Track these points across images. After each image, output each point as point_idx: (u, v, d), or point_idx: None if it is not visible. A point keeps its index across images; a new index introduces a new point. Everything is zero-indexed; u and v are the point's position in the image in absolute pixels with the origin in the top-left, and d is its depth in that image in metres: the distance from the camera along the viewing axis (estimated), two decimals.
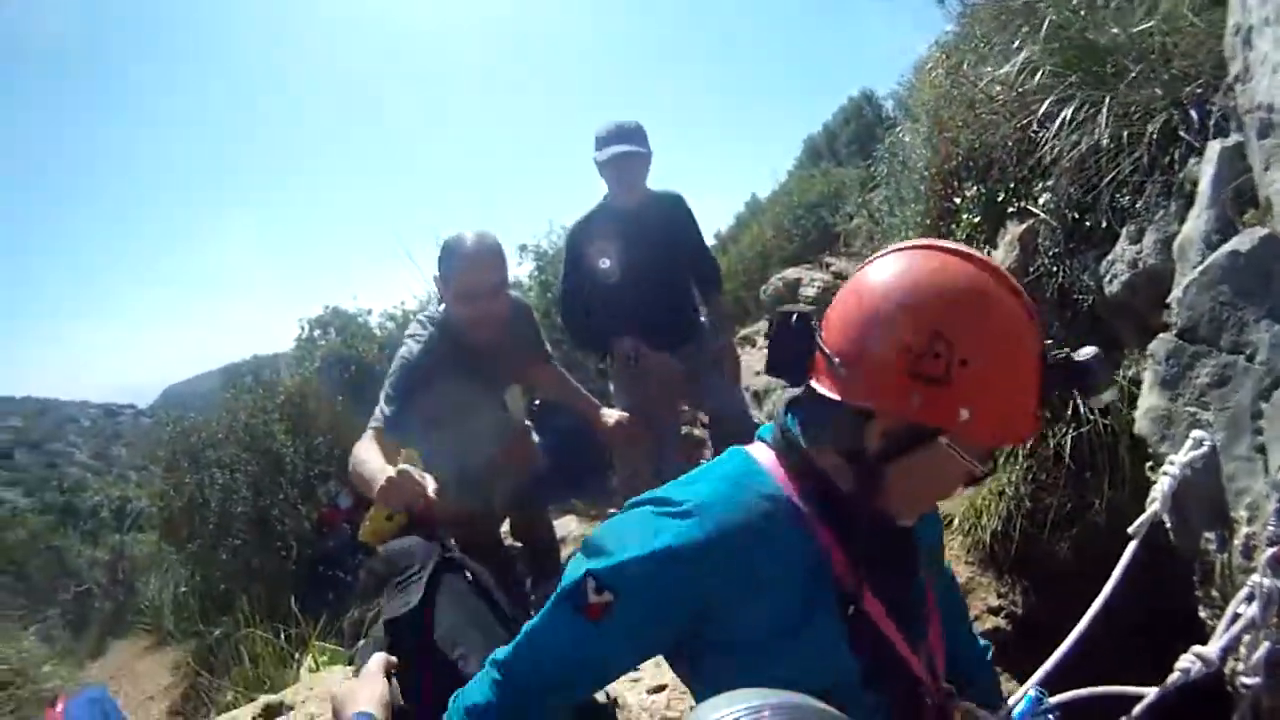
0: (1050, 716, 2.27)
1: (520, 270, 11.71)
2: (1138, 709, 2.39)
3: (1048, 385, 1.64)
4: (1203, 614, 2.88)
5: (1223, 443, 2.65)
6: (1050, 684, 2.36)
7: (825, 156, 13.56)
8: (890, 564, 1.82)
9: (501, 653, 1.84)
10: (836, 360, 1.60)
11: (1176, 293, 2.89)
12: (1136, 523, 2.61)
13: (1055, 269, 4.18)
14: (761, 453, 1.81)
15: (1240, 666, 2.39)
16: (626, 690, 4.11)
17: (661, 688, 4.10)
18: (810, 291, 7.75)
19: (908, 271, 1.57)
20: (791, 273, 8.36)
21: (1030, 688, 2.30)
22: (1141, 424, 2.97)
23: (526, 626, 1.83)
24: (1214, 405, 2.70)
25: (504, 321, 4.02)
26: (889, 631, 1.79)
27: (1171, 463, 2.64)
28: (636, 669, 4.13)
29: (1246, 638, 2.38)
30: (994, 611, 4.36)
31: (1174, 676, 2.32)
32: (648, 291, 5.12)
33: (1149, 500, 2.64)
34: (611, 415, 4.56)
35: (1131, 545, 2.55)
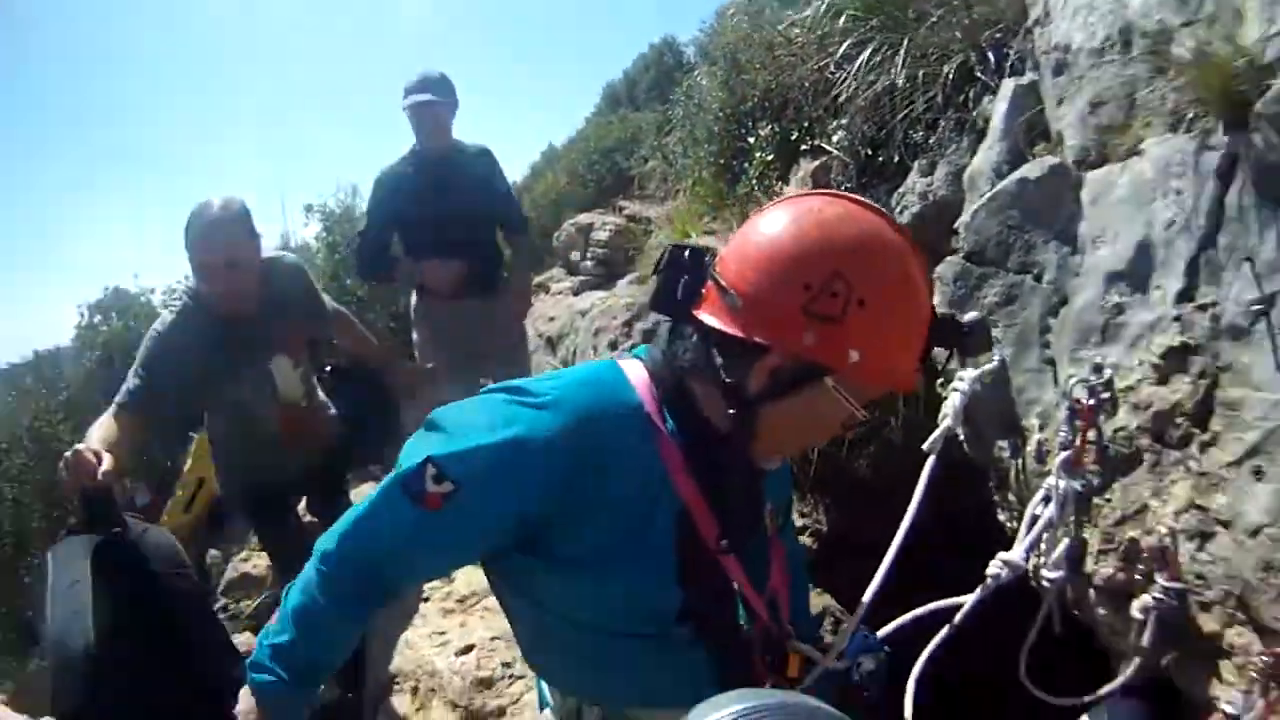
0: (880, 652, 2.31)
1: (307, 232, 11.27)
2: (958, 617, 2.59)
3: (931, 341, 1.70)
4: (1001, 518, 3.11)
5: (1012, 357, 2.86)
6: (871, 607, 2.45)
7: (624, 103, 13.50)
8: (738, 502, 1.83)
9: (324, 542, 1.76)
10: (734, 295, 1.57)
11: (964, 218, 3.08)
12: (931, 438, 2.75)
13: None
14: (632, 368, 1.78)
15: (1043, 563, 2.60)
16: (434, 654, 4.09)
17: (469, 648, 4.07)
18: (602, 235, 7.72)
19: (811, 214, 1.58)
20: (584, 218, 8.32)
21: (856, 626, 2.32)
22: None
23: (353, 513, 1.74)
24: (1002, 322, 2.90)
25: (252, 293, 3.76)
26: (727, 564, 1.79)
27: (961, 379, 2.82)
28: (443, 633, 4.15)
29: (1046, 536, 2.59)
30: (799, 531, 4.44)
31: (986, 583, 2.50)
32: (452, 239, 5.18)
33: (941, 416, 2.79)
34: (407, 365, 4.48)
35: (930, 461, 2.67)
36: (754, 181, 5.29)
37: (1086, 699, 2.70)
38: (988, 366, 2.82)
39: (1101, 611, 2.73)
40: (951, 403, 2.76)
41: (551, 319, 7.35)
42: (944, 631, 2.58)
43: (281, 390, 4.08)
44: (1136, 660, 2.55)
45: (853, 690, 2.24)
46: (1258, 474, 2.24)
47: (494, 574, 1.89)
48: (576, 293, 7.56)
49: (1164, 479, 2.48)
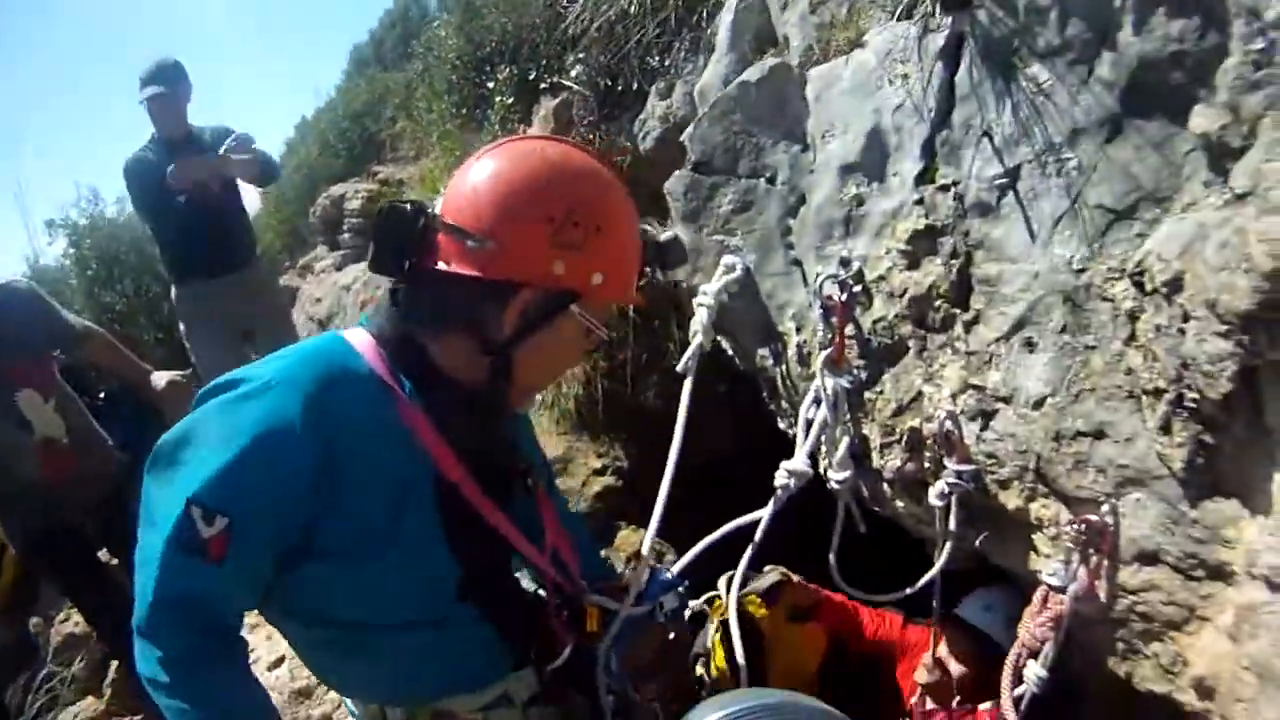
0: (679, 588, 2.25)
1: (53, 250, 10.51)
2: (758, 534, 2.53)
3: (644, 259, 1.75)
4: (782, 425, 3.05)
5: (756, 263, 2.79)
6: (670, 537, 2.39)
7: (372, 64, 12.90)
8: (493, 458, 1.83)
9: (139, 620, 1.60)
10: (477, 239, 1.58)
11: (689, 130, 2.98)
12: (684, 359, 2.68)
13: (591, 136, 4.25)
14: (356, 336, 1.72)
15: (828, 465, 2.56)
16: None
17: (280, 660, 3.96)
18: (355, 204, 7.43)
19: (536, 154, 1.66)
20: (337, 189, 7.95)
21: (648, 563, 2.30)
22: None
23: (144, 584, 1.57)
24: (740, 230, 2.83)
25: None
26: (498, 523, 1.78)
27: (705, 293, 2.74)
28: (251, 649, 3.90)
29: (825, 438, 2.55)
30: (600, 472, 4.43)
31: (777, 494, 2.45)
32: (201, 217, 5.20)
33: (691, 334, 2.71)
34: (162, 377, 4.15)
35: (687, 383, 2.61)
36: (497, 127, 5.17)
37: (909, 591, 2.72)
38: (730, 276, 2.74)
39: (900, 504, 2.72)
40: (699, 319, 2.67)
41: (319, 300, 7.04)
42: (748, 552, 2.52)
43: (37, 428, 3.72)
44: (948, 546, 2.55)
45: (658, 629, 2.19)
46: (1029, 346, 2.24)
47: (262, 603, 1.77)
48: (339, 268, 7.24)
49: (933, 364, 2.46)
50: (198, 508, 1.50)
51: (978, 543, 2.60)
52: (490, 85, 5.35)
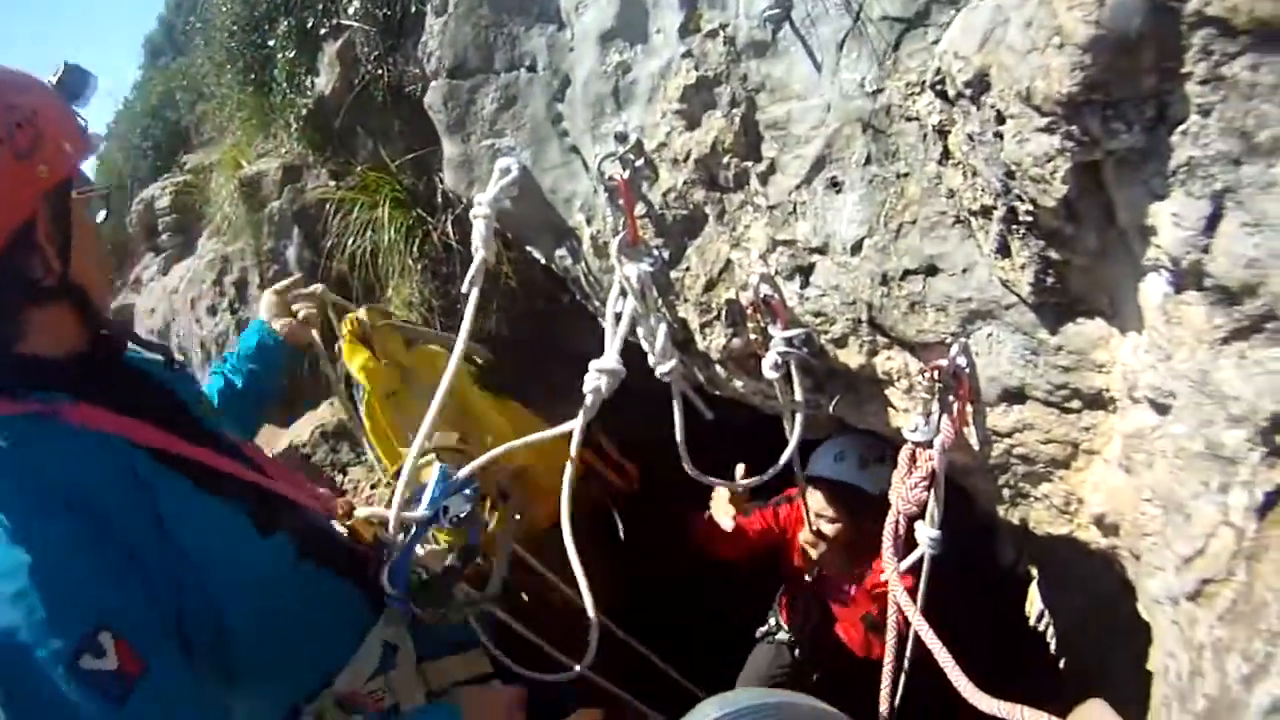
0: (467, 490, 2.15)
1: None
2: (573, 449, 2.30)
3: None
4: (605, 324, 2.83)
5: (532, 160, 2.54)
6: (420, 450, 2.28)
7: (167, 51, 12.11)
8: (163, 407, 1.76)
9: None
10: None
11: (426, 38, 2.72)
12: (469, 273, 2.44)
13: (380, 71, 4.01)
14: None
15: (653, 360, 2.34)
16: None
17: None
18: (165, 201, 7.03)
19: None
20: (147, 192, 7.48)
21: (410, 469, 2.21)
22: (450, 179, 2.81)
23: None
24: (509, 129, 2.57)
25: None
26: (234, 470, 1.74)
27: (480, 203, 2.48)
28: None
29: (642, 331, 2.34)
30: None
31: (589, 399, 2.23)
32: None
33: (474, 249, 2.47)
34: None
35: (472, 295, 2.40)
36: (285, 85, 4.82)
37: (770, 473, 2.56)
38: (505, 180, 2.48)
39: (739, 383, 2.53)
40: (477, 231, 2.42)
41: (152, 310, 6.62)
42: (568, 467, 2.31)
43: None
44: (798, 418, 2.38)
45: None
46: (835, 186, 2.05)
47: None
48: (164, 273, 6.82)
49: (736, 226, 2.26)
50: (107, 634, 1.38)
51: (831, 409, 2.43)
52: (271, 43, 5.00)
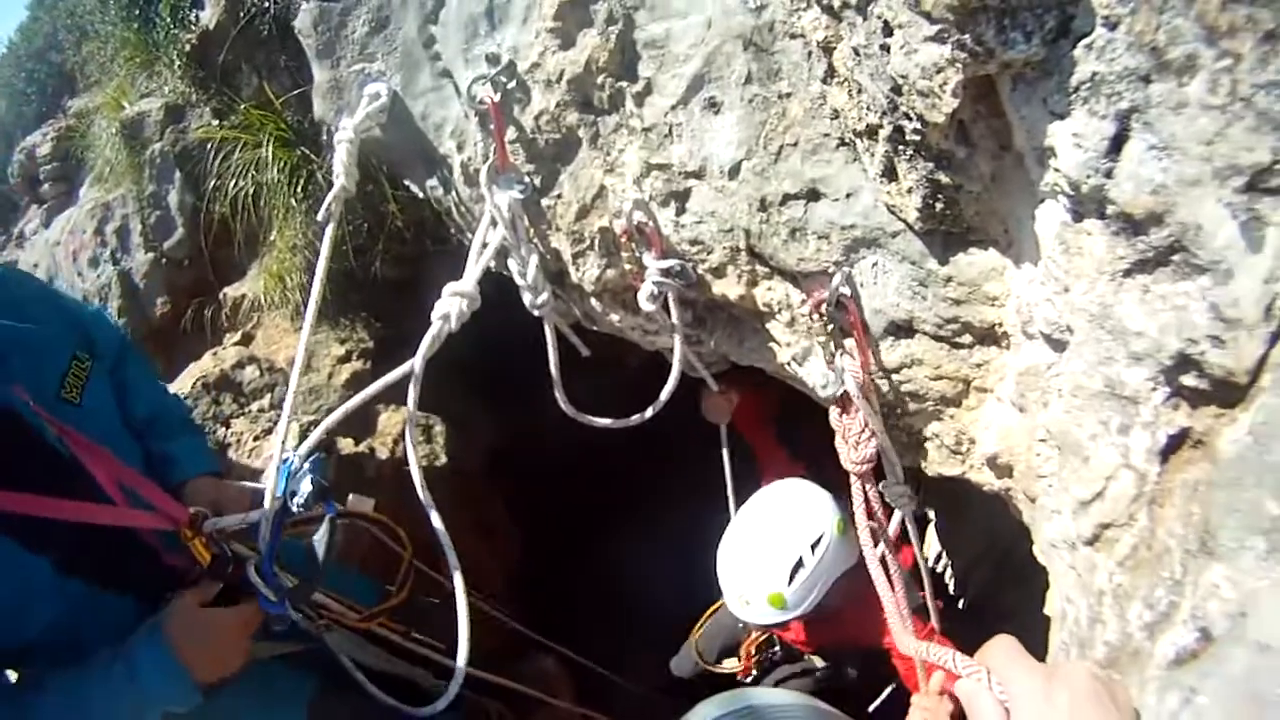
0: (312, 466, 2.11)
1: None
2: (416, 371, 2.14)
3: None
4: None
5: (403, 85, 2.43)
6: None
7: None
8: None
9: None
10: None
11: None
12: (325, 202, 2.34)
13: (266, 3, 3.84)
14: None
15: (525, 293, 2.26)
16: None
17: None
18: (47, 149, 6.72)
19: None
20: (28, 140, 7.12)
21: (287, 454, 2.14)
22: (319, 108, 2.68)
23: None
24: (380, 52, 2.45)
25: None
26: (18, 503, 1.81)
27: (344, 129, 2.36)
28: None
29: (515, 265, 2.24)
30: (344, 359, 4.17)
31: (435, 326, 2.10)
32: None
33: (334, 176, 2.35)
34: None
35: (328, 230, 2.30)
36: (168, 20, 4.58)
37: (648, 413, 2.49)
38: (374, 105, 2.36)
39: (615, 317, 2.46)
40: (338, 158, 2.30)
41: (35, 266, 6.33)
42: (406, 414, 2.20)
43: None
44: (679, 350, 2.31)
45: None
46: (713, 106, 1.97)
47: None
48: (46, 225, 6.51)
49: (610, 150, 2.17)
50: None
51: (712, 344, 2.36)
52: None
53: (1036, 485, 1.71)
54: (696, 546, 3.14)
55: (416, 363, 2.07)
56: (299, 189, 3.78)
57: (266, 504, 2.12)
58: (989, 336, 1.78)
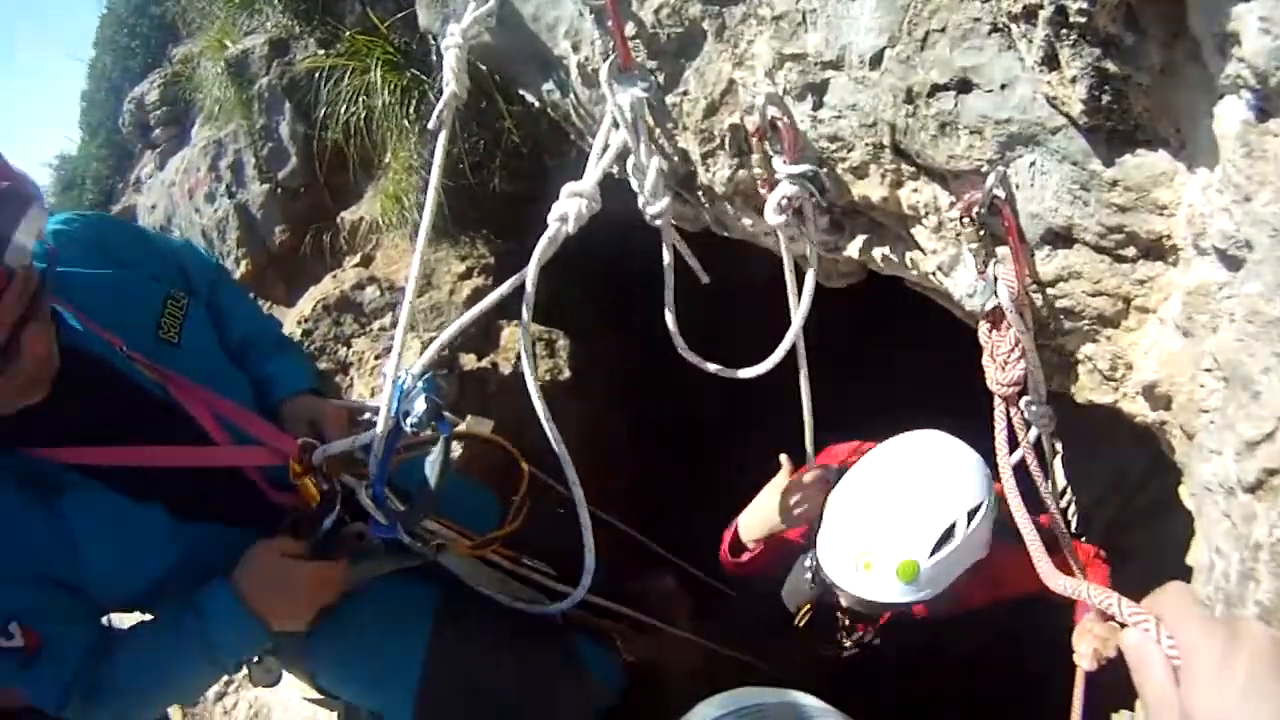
0: (424, 385, 2.05)
1: None
2: (530, 274, 1.98)
3: None
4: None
5: None
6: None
7: None
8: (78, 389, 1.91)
9: None
10: None
11: None
12: (436, 110, 2.22)
13: None
14: None
15: (642, 199, 2.10)
16: None
17: None
18: (154, 95, 6.87)
19: None
20: (136, 91, 7.16)
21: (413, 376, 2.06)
22: (423, 18, 2.58)
23: None
24: None
25: None
26: (138, 455, 1.96)
27: (452, 34, 2.22)
28: None
29: (634, 167, 2.09)
30: (465, 275, 4.18)
31: (552, 228, 1.94)
32: None
33: (444, 84, 2.23)
34: None
35: (440, 138, 2.19)
36: None
37: (771, 360, 2.29)
38: (482, 8, 2.23)
39: (748, 222, 2.32)
40: (448, 64, 2.17)
41: (153, 207, 6.48)
42: (524, 311, 2.05)
43: None
44: (814, 264, 2.17)
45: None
46: None
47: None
48: (161, 167, 6.65)
49: (738, 43, 2.00)
50: None
51: (854, 251, 2.20)
52: None
53: (1197, 420, 1.53)
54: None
55: (531, 268, 1.93)
56: (411, 110, 3.79)
57: (380, 425, 2.07)
58: (1155, 250, 1.58)
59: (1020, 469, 2.07)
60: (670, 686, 3.16)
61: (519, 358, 3.63)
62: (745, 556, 2.88)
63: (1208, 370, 1.45)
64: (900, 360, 4.73)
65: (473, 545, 2.42)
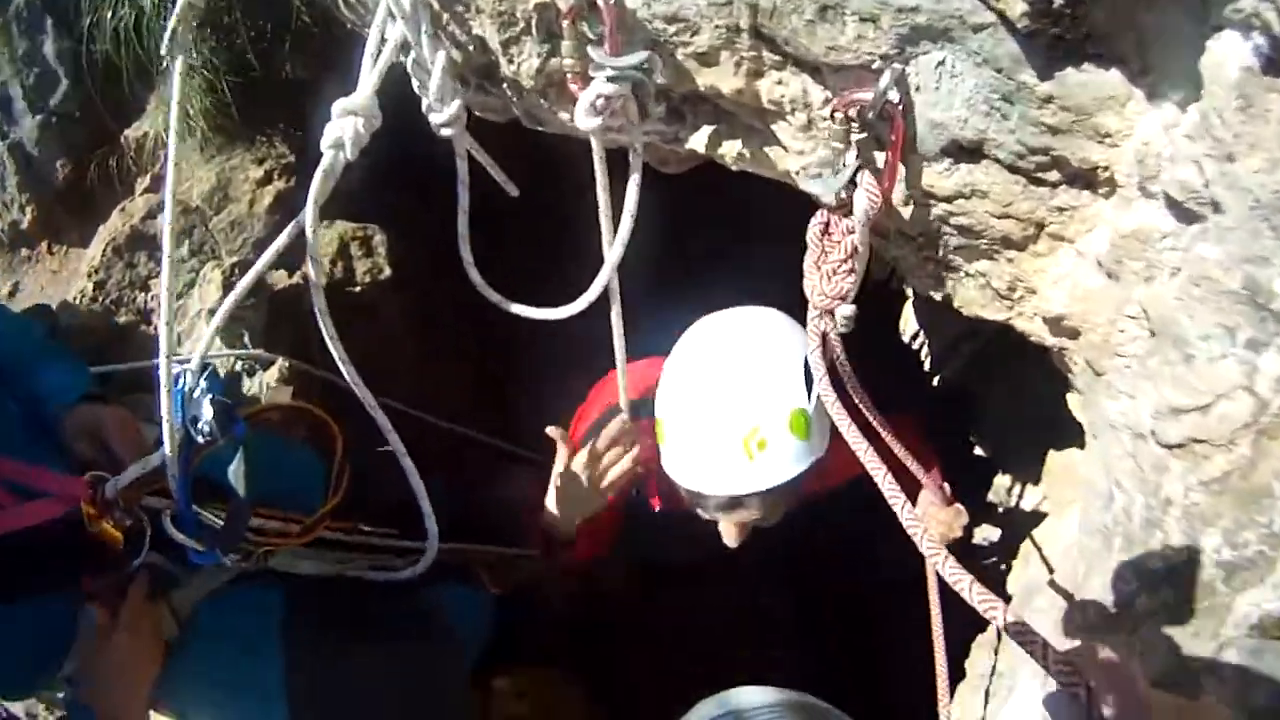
0: (209, 386, 1.83)
1: None
2: (309, 219, 1.59)
3: None
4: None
5: None
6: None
7: None
8: None
9: None
10: None
11: None
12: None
13: None
14: None
15: (425, 103, 1.76)
16: None
17: None
18: None
19: None
20: None
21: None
22: None
23: None
24: None
25: None
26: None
27: None
28: None
29: (412, 59, 1.70)
30: (265, 180, 3.87)
31: (327, 158, 1.55)
32: None
33: None
34: None
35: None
36: None
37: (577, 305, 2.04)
38: None
39: (566, 115, 1.94)
40: None
41: None
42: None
43: None
44: (636, 175, 1.82)
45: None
46: None
47: None
48: None
49: None
50: None
51: (698, 145, 1.88)
52: None
53: (1109, 361, 1.48)
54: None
55: (309, 211, 1.55)
56: None
57: (166, 444, 1.83)
58: (1084, 179, 1.35)
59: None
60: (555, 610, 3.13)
61: (333, 264, 3.65)
62: (578, 547, 2.60)
63: (1132, 318, 1.39)
64: (759, 255, 4.55)
65: (301, 531, 2.23)
